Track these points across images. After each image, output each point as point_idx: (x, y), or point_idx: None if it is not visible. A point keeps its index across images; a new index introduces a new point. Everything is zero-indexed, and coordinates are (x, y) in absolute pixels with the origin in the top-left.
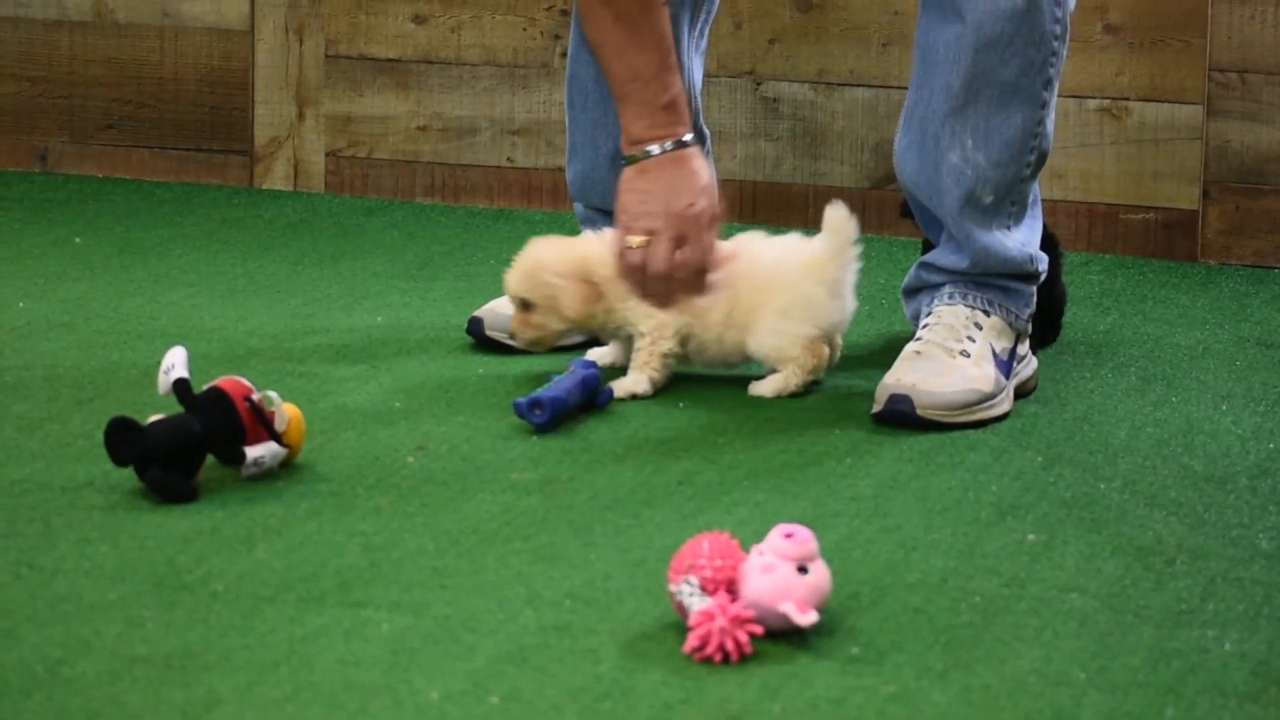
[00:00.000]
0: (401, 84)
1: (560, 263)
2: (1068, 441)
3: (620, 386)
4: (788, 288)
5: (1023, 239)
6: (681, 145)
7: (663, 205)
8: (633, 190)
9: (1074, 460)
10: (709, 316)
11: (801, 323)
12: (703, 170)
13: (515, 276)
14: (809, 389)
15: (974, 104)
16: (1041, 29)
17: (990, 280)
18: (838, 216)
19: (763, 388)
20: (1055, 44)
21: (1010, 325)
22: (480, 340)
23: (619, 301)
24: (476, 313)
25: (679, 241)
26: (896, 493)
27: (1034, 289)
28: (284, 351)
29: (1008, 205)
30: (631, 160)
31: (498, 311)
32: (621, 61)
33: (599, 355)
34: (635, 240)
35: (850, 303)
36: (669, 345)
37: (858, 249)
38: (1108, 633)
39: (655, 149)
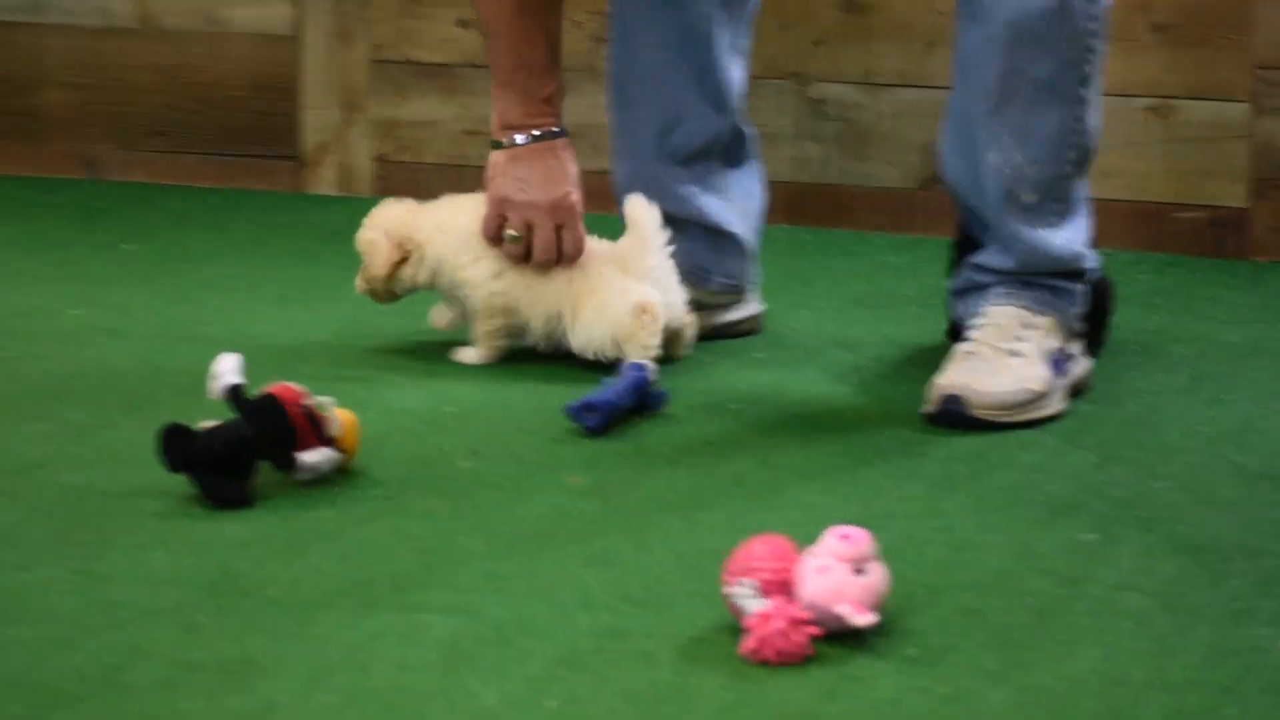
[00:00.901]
0: (448, 88)
1: (387, 222)
2: (1121, 441)
3: (458, 355)
4: (604, 286)
5: (1069, 236)
6: (553, 135)
7: (543, 194)
8: (509, 177)
9: (1128, 459)
10: (536, 306)
11: (620, 314)
12: (572, 161)
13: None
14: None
15: (1010, 103)
16: (1075, 26)
17: (1039, 279)
18: (638, 207)
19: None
20: (1091, 41)
21: (1062, 324)
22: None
23: (457, 270)
24: None
25: (558, 229)
26: (950, 493)
27: (1084, 287)
28: (335, 356)
29: (1051, 203)
30: (499, 145)
31: None
32: (514, 52)
33: (437, 315)
34: (515, 233)
35: (675, 292)
36: (496, 324)
37: (664, 235)
38: (1165, 632)
39: (528, 136)
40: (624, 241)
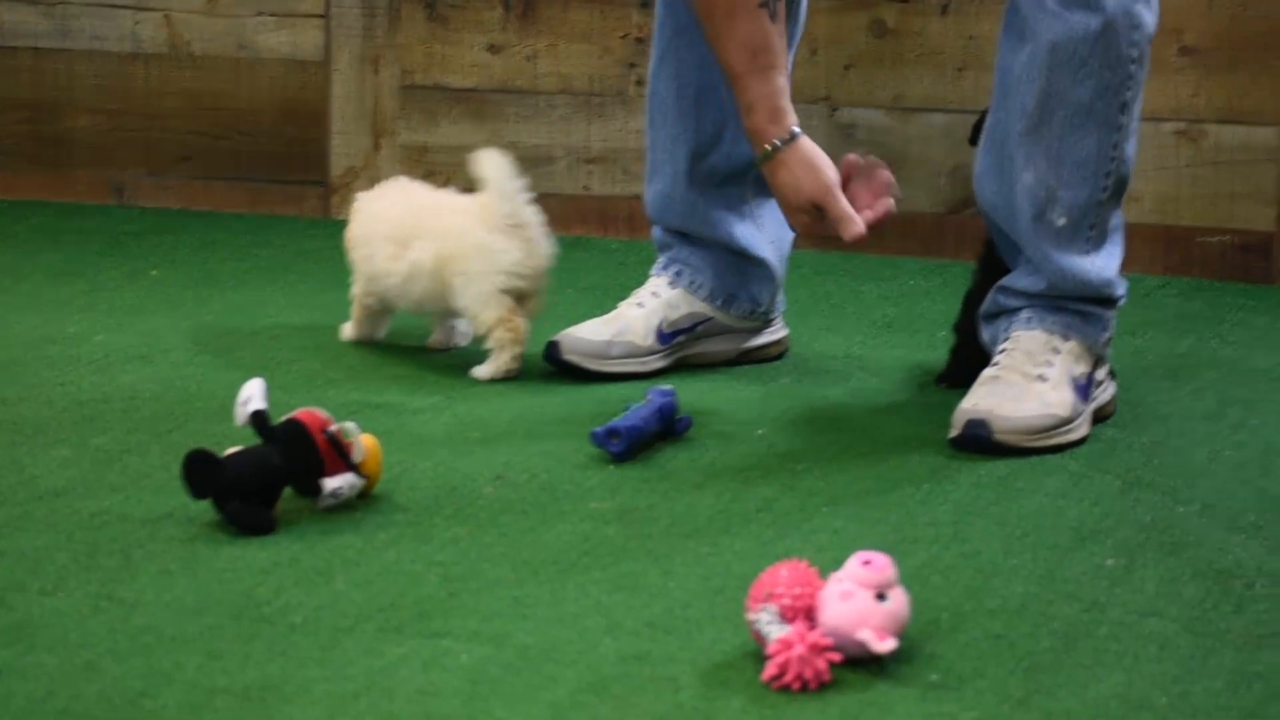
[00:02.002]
0: (477, 113)
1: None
2: (1146, 465)
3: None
4: (463, 239)
5: (1102, 263)
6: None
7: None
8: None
9: (1153, 484)
10: (387, 279)
11: (486, 274)
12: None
13: None
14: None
15: (1047, 124)
16: (1118, 52)
17: (1068, 304)
18: (488, 160)
19: (481, 371)
20: (1132, 68)
21: (1089, 350)
22: (557, 365)
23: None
24: (553, 337)
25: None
26: (975, 518)
27: (1113, 314)
28: (361, 382)
29: (1085, 229)
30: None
31: (575, 335)
32: (718, 56)
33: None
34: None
35: (540, 244)
36: (369, 301)
37: (521, 184)
38: (1189, 657)
39: (772, 144)
40: (481, 196)
